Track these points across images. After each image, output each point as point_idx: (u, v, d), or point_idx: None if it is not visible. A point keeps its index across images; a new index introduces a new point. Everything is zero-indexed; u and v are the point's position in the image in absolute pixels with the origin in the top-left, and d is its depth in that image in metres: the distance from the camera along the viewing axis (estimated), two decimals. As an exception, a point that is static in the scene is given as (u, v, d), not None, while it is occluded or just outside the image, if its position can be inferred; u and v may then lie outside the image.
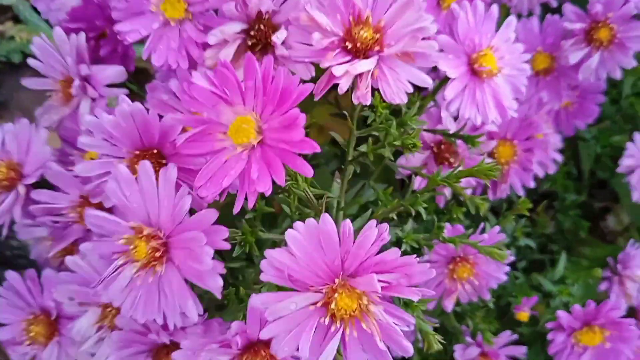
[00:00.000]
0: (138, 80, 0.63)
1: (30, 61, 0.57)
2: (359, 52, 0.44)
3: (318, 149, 0.38)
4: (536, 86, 0.74)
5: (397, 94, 0.44)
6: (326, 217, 0.38)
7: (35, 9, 1.04)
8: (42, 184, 0.55)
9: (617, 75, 0.71)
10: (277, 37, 0.47)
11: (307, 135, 0.38)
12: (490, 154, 0.72)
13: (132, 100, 0.45)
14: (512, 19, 0.58)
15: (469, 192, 0.65)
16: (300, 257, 0.38)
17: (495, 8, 0.58)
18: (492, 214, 0.78)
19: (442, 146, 0.67)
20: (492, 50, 0.56)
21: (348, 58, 0.44)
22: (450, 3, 0.63)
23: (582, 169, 0.89)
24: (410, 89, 0.45)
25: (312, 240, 0.38)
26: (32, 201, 0.54)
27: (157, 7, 0.49)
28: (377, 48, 0.44)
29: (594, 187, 0.93)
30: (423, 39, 0.45)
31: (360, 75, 0.43)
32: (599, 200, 0.96)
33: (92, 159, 0.51)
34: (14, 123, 0.57)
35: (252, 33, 0.49)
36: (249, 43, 0.49)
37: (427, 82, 0.46)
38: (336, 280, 0.39)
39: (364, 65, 0.43)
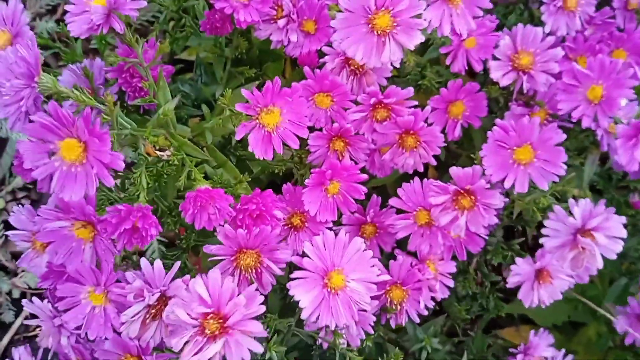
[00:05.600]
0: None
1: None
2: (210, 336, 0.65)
3: None
4: (421, 237, 0.90)
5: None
6: None
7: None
8: None
9: (482, 231, 0.86)
10: (166, 312, 0.68)
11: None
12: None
13: None
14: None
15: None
16: None
17: (342, 234, 0.75)
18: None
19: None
20: (341, 272, 0.74)
21: (202, 342, 0.64)
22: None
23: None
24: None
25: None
26: None
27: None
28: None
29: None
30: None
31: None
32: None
33: None
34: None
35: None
36: (152, 312, 0.71)
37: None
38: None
39: (214, 348, 0.64)
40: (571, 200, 0.79)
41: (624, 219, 0.79)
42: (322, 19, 0.89)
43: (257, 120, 0.77)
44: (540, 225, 0.84)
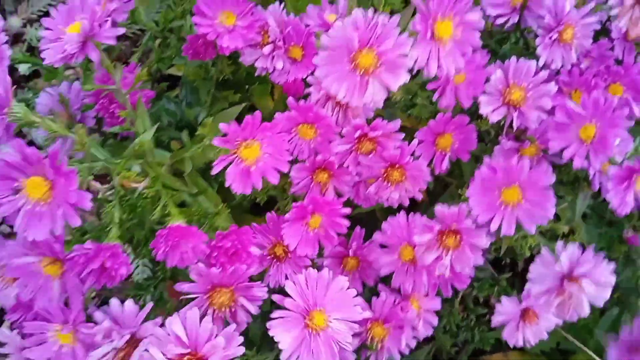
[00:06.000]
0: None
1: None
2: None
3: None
4: (405, 274, 0.87)
5: None
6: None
7: None
8: None
9: (468, 272, 0.83)
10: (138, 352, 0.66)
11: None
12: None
13: None
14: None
15: None
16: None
17: (326, 272, 0.73)
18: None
19: None
20: (323, 312, 0.71)
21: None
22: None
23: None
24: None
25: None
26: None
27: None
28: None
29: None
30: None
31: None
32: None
33: None
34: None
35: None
36: (121, 355, 0.68)
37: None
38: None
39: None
40: (559, 245, 0.76)
41: (612, 266, 0.76)
42: (309, 45, 0.86)
43: (236, 154, 0.74)
44: (530, 258, 0.81)
